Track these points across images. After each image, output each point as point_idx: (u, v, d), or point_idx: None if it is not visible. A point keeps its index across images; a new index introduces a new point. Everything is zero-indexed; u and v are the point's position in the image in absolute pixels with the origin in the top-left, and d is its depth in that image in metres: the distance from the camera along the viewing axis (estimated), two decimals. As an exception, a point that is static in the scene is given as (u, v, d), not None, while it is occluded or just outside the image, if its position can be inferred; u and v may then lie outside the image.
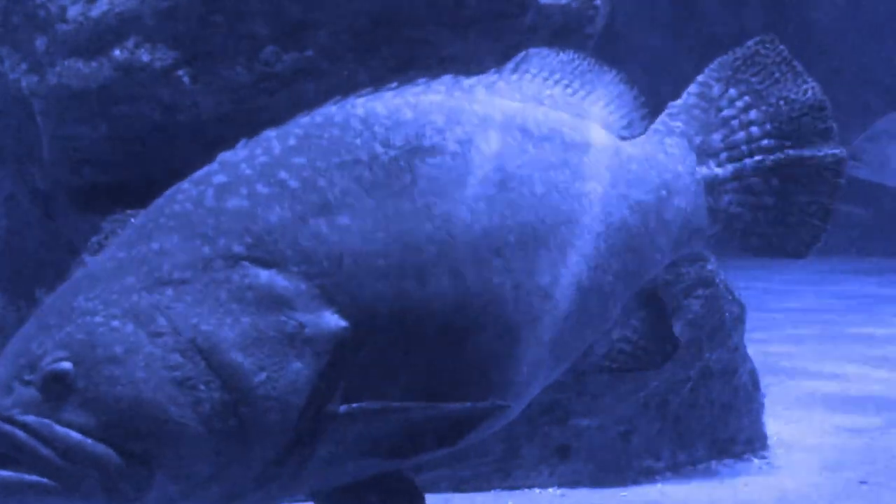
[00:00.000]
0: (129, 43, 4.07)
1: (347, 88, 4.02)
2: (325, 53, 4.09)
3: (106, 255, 2.49)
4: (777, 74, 3.06)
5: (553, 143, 2.76)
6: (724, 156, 3.03)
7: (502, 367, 2.58)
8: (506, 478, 4.32)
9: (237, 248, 2.40)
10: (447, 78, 2.75)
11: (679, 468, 4.49)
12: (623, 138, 2.95)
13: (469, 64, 4.20)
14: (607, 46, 4.21)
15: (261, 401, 2.31)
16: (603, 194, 2.80)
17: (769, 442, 4.74)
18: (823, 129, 3.04)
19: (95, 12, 4.07)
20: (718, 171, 3.02)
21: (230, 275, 2.38)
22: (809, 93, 3.05)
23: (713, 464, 4.55)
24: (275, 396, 2.32)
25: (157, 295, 2.35)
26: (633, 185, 2.88)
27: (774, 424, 4.93)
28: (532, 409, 4.26)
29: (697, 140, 3.03)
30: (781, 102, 3.04)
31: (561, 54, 2.94)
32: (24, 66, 4.28)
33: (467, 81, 2.77)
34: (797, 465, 4.57)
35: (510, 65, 2.88)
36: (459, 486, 4.27)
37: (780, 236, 3.06)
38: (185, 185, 2.53)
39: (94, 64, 4.09)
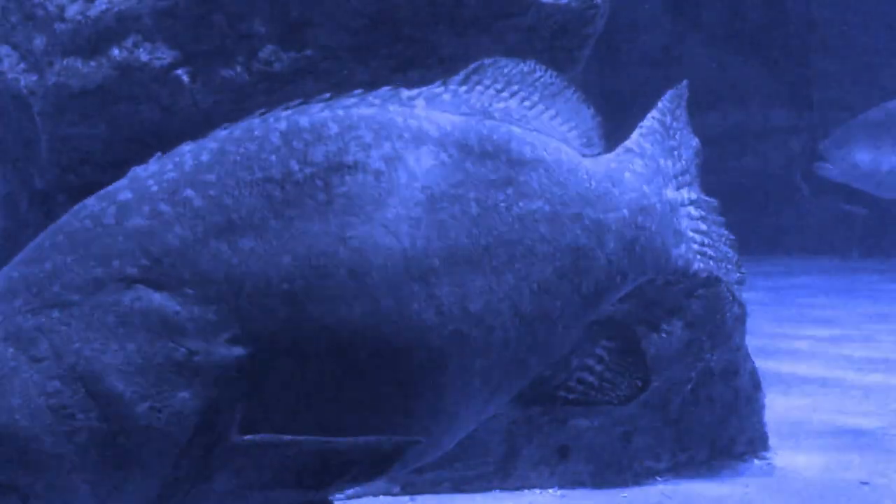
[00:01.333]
0: (128, 42, 4.06)
1: (347, 88, 4.02)
2: (324, 53, 4.08)
3: (2, 274, 2.41)
4: (685, 117, 3.15)
5: (496, 160, 2.64)
6: (674, 182, 3.02)
7: (425, 397, 2.47)
8: (506, 478, 4.31)
9: (130, 270, 2.31)
10: (385, 90, 2.65)
11: (680, 469, 4.48)
12: (585, 155, 2.87)
13: (469, 63, 4.20)
14: (607, 46, 4.20)
15: (142, 432, 2.22)
16: (552, 214, 2.68)
17: (770, 443, 4.74)
18: (697, 175, 3.11)
19: (94, 11, 4.06)
20: (675, 194, 3.00)
21: (120, 298, 2.29)
22: (694, 141, 3.14)
23: (714, 464, 4.54)
24: (158, 427, 2.23)
25: (43, 317, 2.26)
26: (590, 205, 2.77)
27: (776, 425, 4.92)
28: (532, 410, 4.26)
29: (662, 163, 3.00)
30: (686, 143, 3.10)
31: (520, 65, 2.83)
32: (22, 66, 4.27)
33: (407, 94, 2.67)
34: (798, 465, 4.56)
35: (459, 76, 2.77)
36: (459, 487, 4.27)
37: (721, 261, 3.06)
38: (90, 200, 2.46)
39: (92, 63, 4.08)
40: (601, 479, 4.35)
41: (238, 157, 2.44)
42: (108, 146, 4.08)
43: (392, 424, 2.43)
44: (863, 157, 9.80)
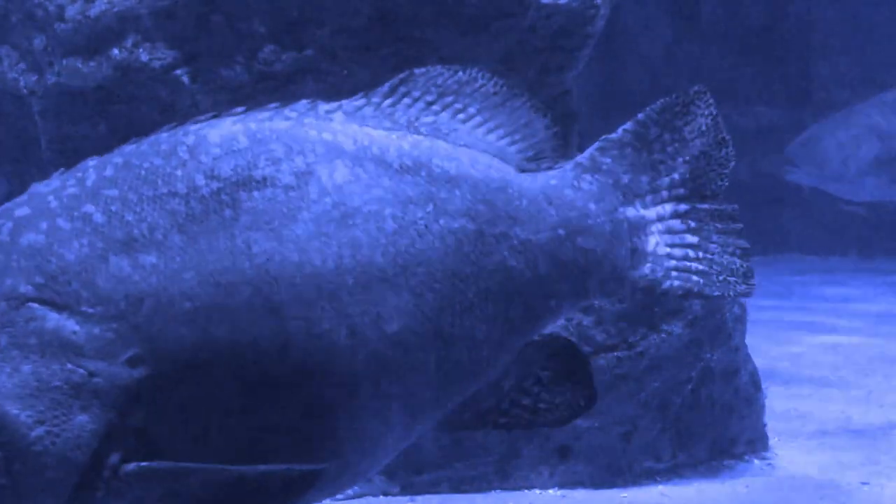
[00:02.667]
0: (128, 42, 4.06)
1: (347, 88, 4.03)
2: (324, 53, 4.08)
3: None
4: (704, 128, 2.92)
5: (416, 176, 2.54)
6: (649, 198, 2.83)
7: (338, 422, 2.39)
8: (506, 478, 4.31)
9: (24, 289, 2.23)
10: (302, 103, 2.57)
11: (680, 469, 4.48)
12: (525, 170, 2.74)
13: (469, 63, 4.19)
14: (607, 47, 4.20)
15: (37, 457, 2.15)
16: (476, 233, 2.57)
17: (770, 443, 4.73)
18: (720, 184, 2.92)
19: (94, 12, 4.06)
20: (644, 212, 2.81)
21: (14, 317, 2.21)
22: (724, 150, 2.94)
23: (714, 465, 4.54)
24: (54, 453, 2.15)
25: None
26: (519, 224, 2.64)
27: (776, 425, 4.92)
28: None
29: (625, 179, 2.81)
30: (701, 155, 2.90)
31: (458, 74, 2.73)
32: (22, 66, 4.27)
33: (325, 107, 2.58)
34: (798, 465, 4.56)
35: (385, 87, 2.67)
36: (459, 487, 4.27)
37: (718, 275, 2.85)
38: None
39: (92, 63, 4.08)
40: (601, 479, 4.35)
41: (143, 172, 2.38)
42: (108, 146, 4.08)
43: (303, 451, 2.35)
44: (830, 159, 9.83)
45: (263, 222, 2.37)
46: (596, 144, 2.83)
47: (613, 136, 2.84)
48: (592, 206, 2.75)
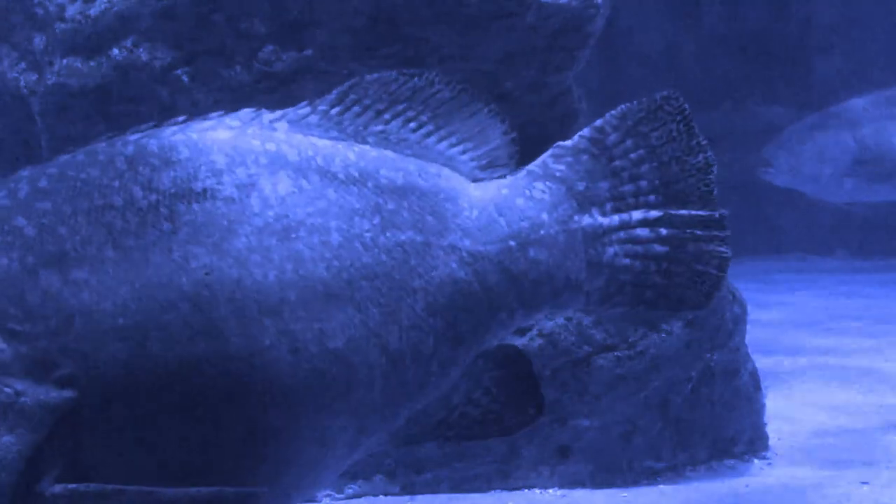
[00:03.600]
0: (128, 42, 4.06)
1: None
2: (324, 53, 4.08)
3: None
4: (675, 133, 2.80)
5: (362, 188, 2.48)
6: (609, 206, 2.73)
7: (279, 440, 2.32)
8: (506, 478, 4.31)
9: None
10: (246, 112, 2.51)
11: (680, 469, 4.48)
12: (478, 179, 2.67)
13: (469, 62, 4.20)
14: (607, 46, 4.20)
15: None
16: (423, 245, 2.51)
17: (770, 443, 4.73)
18: (705, 191, 2.79)
19: (94, 11, 4.06)
20: (603, 220, 2.71)
21: None
22: (700, 156, 2.80)
23: (714, 464, 4.54)
24: None
25: None
26: (469, 236, 2.58)
27: (776, 425, 4.92)
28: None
29: (580, 186, 2.72)
30: (673, 162, 2.77)
31: (412, 81, 2.63)
32: (22, 65, 4.27)
33: (269, 116, 2.52)
34: (798, 465, 4.56)
35: (332, 96, 2.58)
36: (459, 487, 4.27)
37: (677, 287, 2.75)
38: None
39: (92, 63, 4.08)
40: (601, 479, 4.35)
41: (78, 184, 2.31)
42: (107, 146, 4.09)
43: (242, 471, 2.28)
44: (806, 160, 9.87)
45: (203, 236, 2.30)
46: (549, 151, 2.75)
47: (568, 142, 2.76)
48: (545, 216, 2.68)
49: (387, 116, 2.60)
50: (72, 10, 4.07)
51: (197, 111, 4.00)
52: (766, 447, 4.70)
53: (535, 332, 4.22)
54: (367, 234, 2.45)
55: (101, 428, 2.19)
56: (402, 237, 2.50)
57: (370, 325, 2.41)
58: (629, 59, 12.77)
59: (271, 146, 2.45)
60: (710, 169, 2.80)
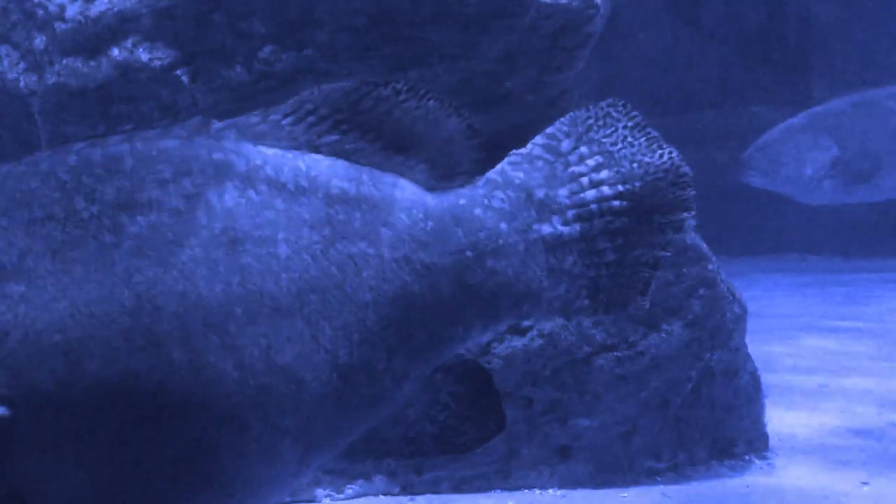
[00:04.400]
0: (128, 42, 4.06)
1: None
2: (324, 53, 4.08)
3: None
4: (630, 139, 2.73)
5: (312, 198, 2.41)
6: (571, 213, 2.67)
7: (224, 459, 2.25)
8: (506, 478, 4.31)
9: None
10: (195, 121, 2.43)
11: (680, 469, 4.48)
12: (436, 188, 2.59)
13: (469, 62, 4.20)
14: (607, 46, 4.20)
15: None
16: (376, 257, 2.44)
17: (770, 443, 4.73)
18: (682, 195, 2.72)
19: (94, 11, 4.06)
20: (564, 229, 2.65)
21: None
22: (666, 156, 2.72)
23: (714, 465, 4.53)
24: None
25: None
26: (424, 247, 2.50)
27: (776, 425, 4.92)
28: (532, 410, 4.26)
29: (540, 194, 2.65)
30: (635, 165, 2.70)
31: (377, 90, 2.55)
32: (22, 66, 4.27)
33: (218, 125, 2.43)
34: (798, 466, 4.56)
35: (286, 105, 2.50)
36: (459, 487, 4.26)
37: (618, 288, 2.70)
38: None
39: (92, 63, 4.08)
40: (601, 479, 4.35)
41: (18, 195, 2.23)
42: (107, 146, 4.09)
43: (185, 492, 2.23)
44: (786, 163, 9.95)
45: (146, 248, 2.23)
46: (507, 158, 2.68)
47: (523, 149, 2.69)
48: (504, 226, 2.61)
49: (344, 127, 2.52)
50: (72, 10, 4.07)
51: (197, 111, 4.01)
52: (766, 447, 4.70)
53: (535, 332, 4.22)
54: (317, 246, 2.38)
55: (36, 448, 2.12)
56: (354, 249, 2.43)
57: (320, 339, 2.35)
58: (629, 59, 12.77)
59: (219, 156, 2.37)
60: (680, 169, 2.73)
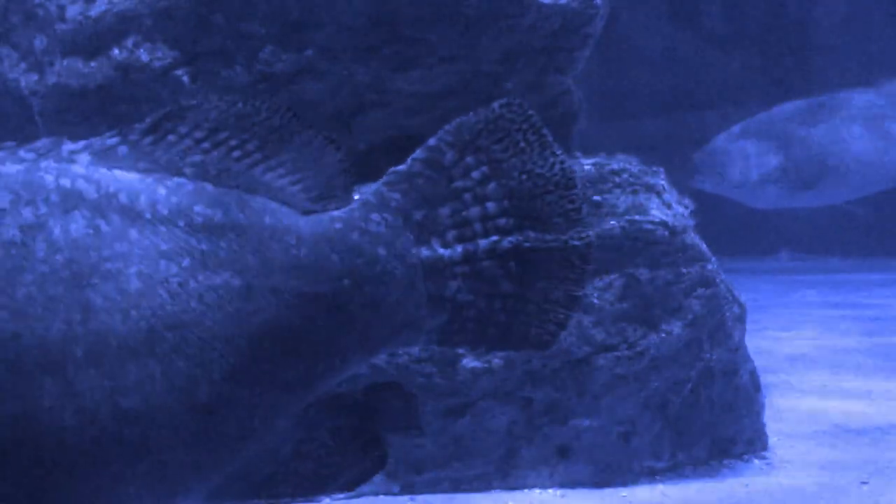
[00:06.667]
0: (129, 43, 4.07)
1: (347, 88, 4.04)
2: (324, 53, 4.08)
3: None
4: (522, 144, 2.52)
5: (171, 227, 2.25)
6: (451, 234, 2.48)
7: None
8: (506, 478, 4.31)
9: None
10: (43, 142, 2.27)
11: (679, 468, 4.48)
12: (310, 212, 2.44)
13: (469, 63, 4.20)
14: (607, 47, 4.20)
15: None
16: (243, 288, 2.28)
17: (770, 442, 4.74)
18: (570, 209, 2.51)
19: (94, 12, 4.06)
20: (444, 252, 2.46)
21: None
22: (557, 167, 2.51)
23: (714, 464, 4.54)
24: None
25: None
26: (298, 275, 2.34)
27: (775, 425, 4.92)
28: (532, 410, 4.26)
29: (418, 215, 2.46)
30: (524, 176, 2.49)
31: (235, 107, 2.38)
32: (23, 66, 4.27)
33: (70, 147, 2.27)
34: (798, 465, 4.56)
35: (144, 124, 2.33)
36: (459, 486, 4.27)
37: (521, 325, 2.50)
38: None
39: (93, 64, 4.09)
40: (601, 479, 4.35)
41: None
42: (108, 146, 4.09)
43: None
44: (732, 167, 10.05)
45: None
46: (384, 178, 2.50)
47: (401, 167, 2.49)
48: (381, 251, 2.44)
49: (206, 145, 2.35)
50: (72, 11, 4.08)
51: (197, 111, 4.02)
52: (765, 447, 4.71)
53: (534, 332, 4.22)
54: (175, 279, 2.22)
55: None
56: (217, 280, 2.26)
57: (174, 380, 2.19)
58: (629, 59, 12.78)
59: (66, 182, 2.20)
60: (573, 180, 2.53)
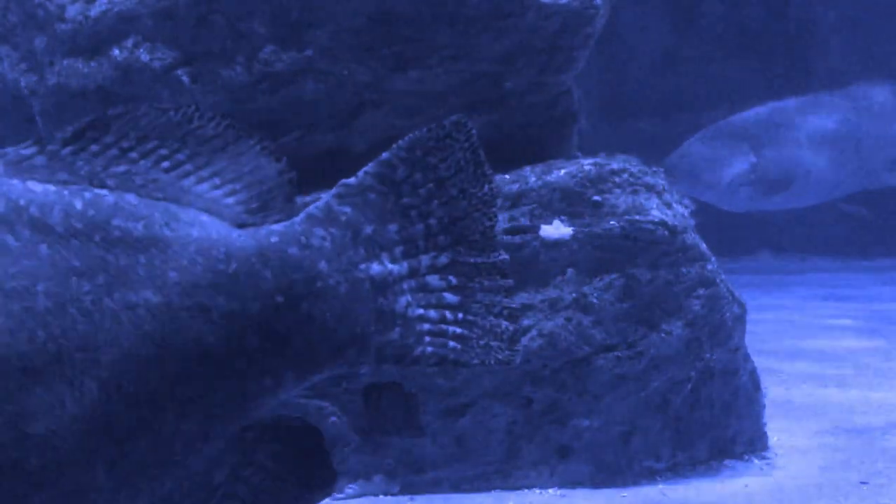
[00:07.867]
0: (129, 42, 4.07)
1: (347, 88, 4.04)
2: (324, 53, 4.08)
3: None
4: (462, 162, 2.50)
5: (86, 242, 2.13)
6: (399, 250, 2.44)
7: None
8: (506, 478, 4.31)
9: None
10: None
11: (679, 469, 4.48)
12: (246, 225, 2.33)
13: (469, 62, 4.20)
14: (606, 47, 4.20)
15: None
16: (163, 306, 2.16)
17: (770, 442, 4.74)
18: (489, 226, 2.51)
19: (94, 12, 4.06)
20: (392, 267, 2.42)
21: None
22: (486, 188, 2.51)
23: (714, 464, 4.54)
24: None
25: None
26: (224, 293, 2.23)
27: (775, 425, 4.92)
28: (532, 410, 4.26)
29: (368, 230, 2.41)
30: (461, 195, 2.48)
31: (166, 115, 2.27)
32: (23, 66, 4.27)
33: None
34: (798, 465, 4.56)
35: (66, 133, 2.21)
36: (459, 486, 4.27)
37: (479, 338, 2.46)
38: None
39: (93, 64, 4.09)
40: (601, 479, 4.35)
41: None
42: (108, 146, 4.09)
43: None
44: (704, 170, 10.08)
45: None
46: (333, 191, 2.43)
47: (353, 180, 2.43)
48: (324, 266, 2.35)
49: (134, 155, 2.24)
50: (72, 11, 4.08)
51: (197, 111, 4.02)
52: (765, 447, 4.71)
53: (535, 332, 4.22)
54: (87, 297, 2.10)
55: None
56: (135, 298, 2.15)
57: (86, 403, 2.07)
58: (629, 59, 12.78)
59: None
60: (494, 202, 2.52)
